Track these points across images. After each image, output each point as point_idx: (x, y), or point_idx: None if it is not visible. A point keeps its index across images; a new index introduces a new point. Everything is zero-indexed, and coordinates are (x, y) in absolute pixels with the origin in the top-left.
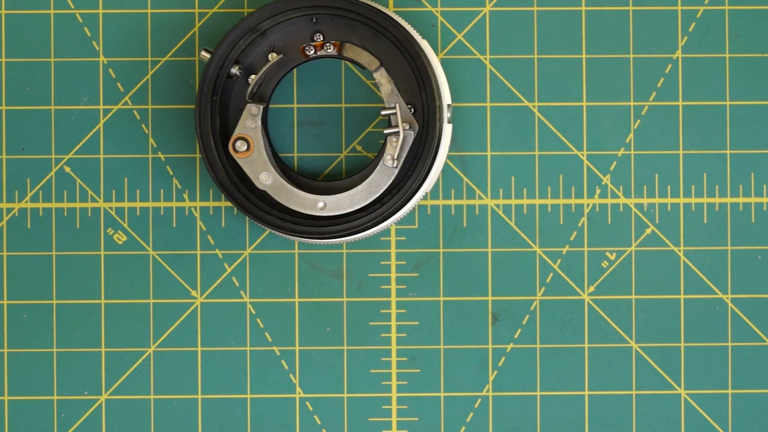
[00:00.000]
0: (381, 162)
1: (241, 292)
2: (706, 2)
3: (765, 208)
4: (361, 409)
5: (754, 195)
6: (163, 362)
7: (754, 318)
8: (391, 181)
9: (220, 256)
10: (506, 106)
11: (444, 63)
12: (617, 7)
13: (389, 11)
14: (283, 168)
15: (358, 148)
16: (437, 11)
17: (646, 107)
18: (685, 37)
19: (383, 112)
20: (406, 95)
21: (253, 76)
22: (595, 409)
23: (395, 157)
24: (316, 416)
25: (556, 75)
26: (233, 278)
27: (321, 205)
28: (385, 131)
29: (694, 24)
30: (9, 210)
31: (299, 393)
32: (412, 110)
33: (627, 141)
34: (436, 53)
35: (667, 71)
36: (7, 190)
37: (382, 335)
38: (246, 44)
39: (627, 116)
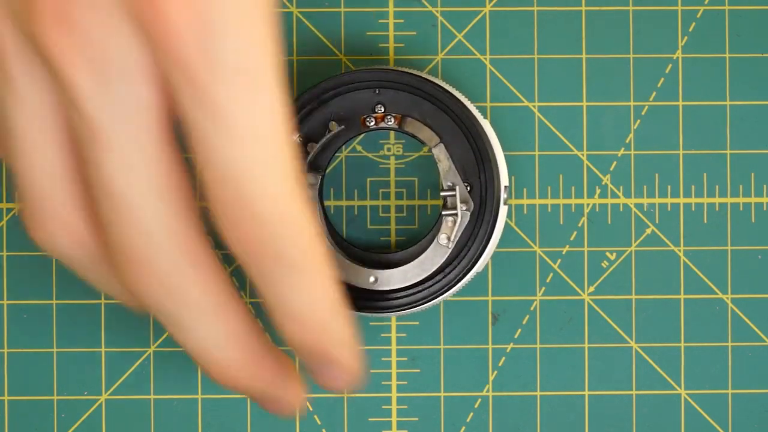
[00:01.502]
0: (435, 241)
1: (241, 293)
2: (706, 2)
3: (765, 208)
4: (361, 409)
5: (754, 195)
6: (163, 362)
7: (754, 318)
8: (444, 260)
9: (220, 257)
10: (506, 106)
11: (444, 63)
12: (617, 7)
13: (454, 90)
14: (335, 238)
15: (358, 148)
16: (437, 11)
17: (646, 107)
18: (685, 37)
19: (442, 194)
20: (463, 173)
21: (312, 144)
22: (595, 409)
23: (450, 237)
24: (316, 416)
25: (556, 75)
26: (233, 278)
27: (372, 279)
28: (443, 212)
29: (694, 24)
30: (9, 210)
31: None
32: (468, 188)
33: (627, 141)
34: (436, 53)
35: (667, 71)
36: (7, 190)
37: (382, 335)
38: (306, 113)
39: (627, 116)
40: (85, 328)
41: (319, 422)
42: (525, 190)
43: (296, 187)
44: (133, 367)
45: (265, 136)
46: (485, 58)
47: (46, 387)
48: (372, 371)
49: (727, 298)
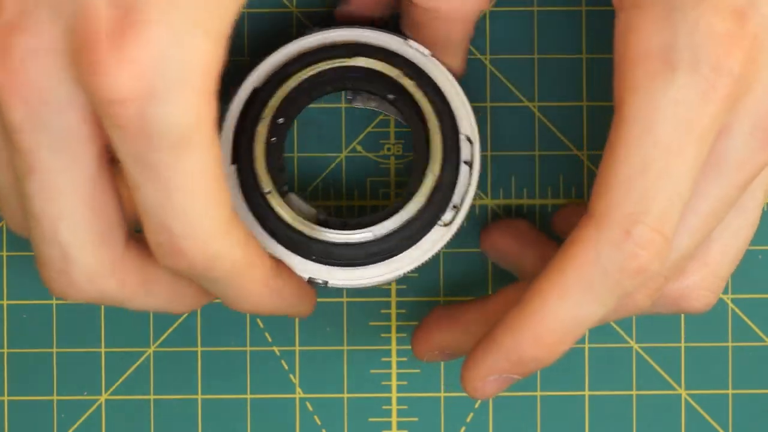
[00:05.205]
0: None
1: None
2: None
3: (765, 209)
4: (361, 409)
5: None
6: (162, 362)
7: (754, 318)
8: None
9: None
10: (506, 106)
11: None
12: None
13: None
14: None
15: (358, 148)
16: None
17: None
18: None
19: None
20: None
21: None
22: (595, 409)
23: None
24: (316, 416)
25: (556, 75)
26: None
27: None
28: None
29: None
30: None
31: (299, 393)
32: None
33: None
34: None
35: None
36: None
37: (382, 335)
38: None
39: None
40: (85, 328)
41: (319, 422)
42: (525, 190)
43: (229, 231)
44: (132, 367)
45: (197, 191)
46: (485, 58)
47: (46, 387)
48: (372, 371)
49: (728, 298)
